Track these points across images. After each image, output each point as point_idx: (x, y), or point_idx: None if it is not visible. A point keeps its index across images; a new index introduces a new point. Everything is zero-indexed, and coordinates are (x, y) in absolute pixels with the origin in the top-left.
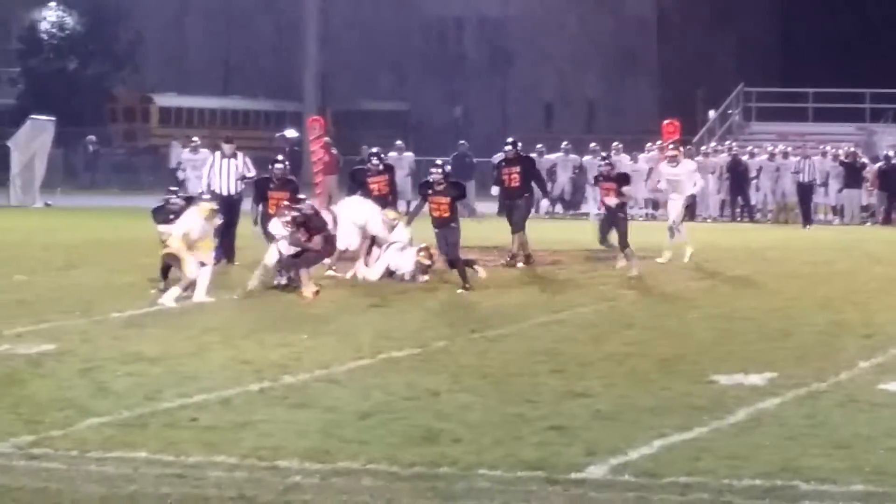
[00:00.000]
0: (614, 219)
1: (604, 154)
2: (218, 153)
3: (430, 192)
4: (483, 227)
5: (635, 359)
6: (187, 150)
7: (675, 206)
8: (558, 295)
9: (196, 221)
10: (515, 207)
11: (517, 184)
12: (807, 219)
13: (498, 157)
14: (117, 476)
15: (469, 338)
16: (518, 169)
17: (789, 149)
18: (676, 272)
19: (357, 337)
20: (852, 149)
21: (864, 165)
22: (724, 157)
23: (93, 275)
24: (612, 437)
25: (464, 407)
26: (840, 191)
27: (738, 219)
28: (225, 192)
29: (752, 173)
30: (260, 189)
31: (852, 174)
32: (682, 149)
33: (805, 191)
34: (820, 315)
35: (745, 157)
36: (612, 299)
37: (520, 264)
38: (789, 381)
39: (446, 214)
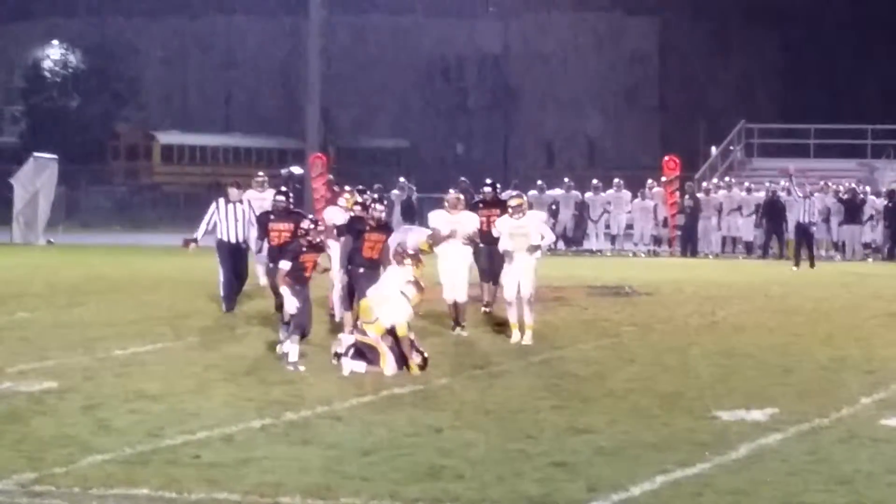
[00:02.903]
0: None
1: (489, 181)
2: (222, 199)
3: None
4: None
5: (637, 395)
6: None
7: (528, 272)
8: (560, 331)
9: None
10: (494, 253)
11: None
12: (810, 260)
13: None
14: None
15: (471, 374)
16: (498, 212)
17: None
18: (677, 308)
19: (359, 374)
20: (851, 185)
21: (863, 201)
22: (724, 194)
23: (95, 312)
24: (614, 473)
25: (466, 443)
26: (840, 225)
27: (772, 256)
28: (232, 240)
29: (751, 209)
30: (261, 223)
31: (852, 210)
32: (524, 197)
33: (804, 231)
34: (822, 351)
35: (782, 195)
36: (615, 335)
37: (487, 309)
38: (791, 416)
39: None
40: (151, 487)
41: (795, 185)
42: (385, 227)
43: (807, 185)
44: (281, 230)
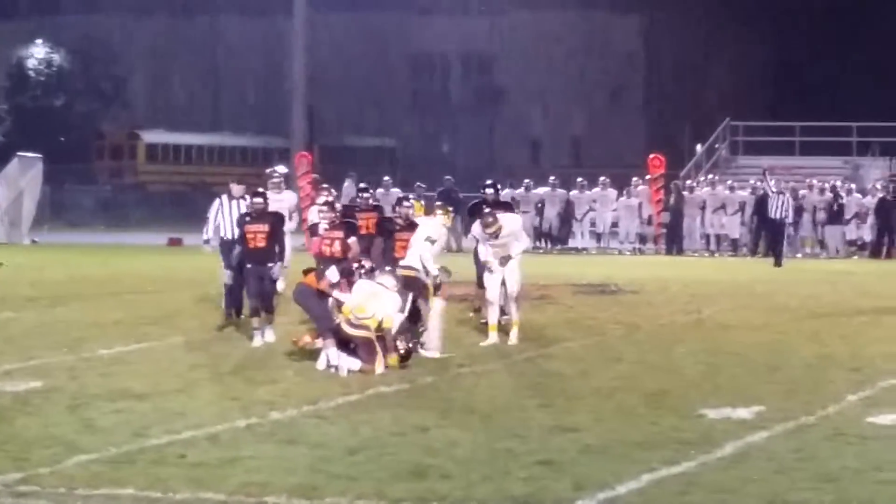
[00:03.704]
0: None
1: (489, 182)
2: (225, 195)
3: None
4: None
5: (623, 393)
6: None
7: (512, 271)
8: (546, 330)
9: None
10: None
11: None
12: (777, 258)
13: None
14: None
15: (457, 373)
16: (500, 212)
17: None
18: (663, 306)
19: (346, 373)
20: (834, 183)
21: (841, 205)
22: (707, 192)
23: (80, 312)
24: (600, 472)
25: (452, 442)
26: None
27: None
28: (232, 237)
29: (735, 207)
30: (238, 225)
31: (831, 211)
32: (497, 214)
33: (776, 228)
34: (807, 348)
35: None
36: (601, 334)
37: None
38: (777, 414)
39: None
40: (137, 487)
41: (769, 181)
42: (415, 226)
43: (781, 181)
44: (256, 231)
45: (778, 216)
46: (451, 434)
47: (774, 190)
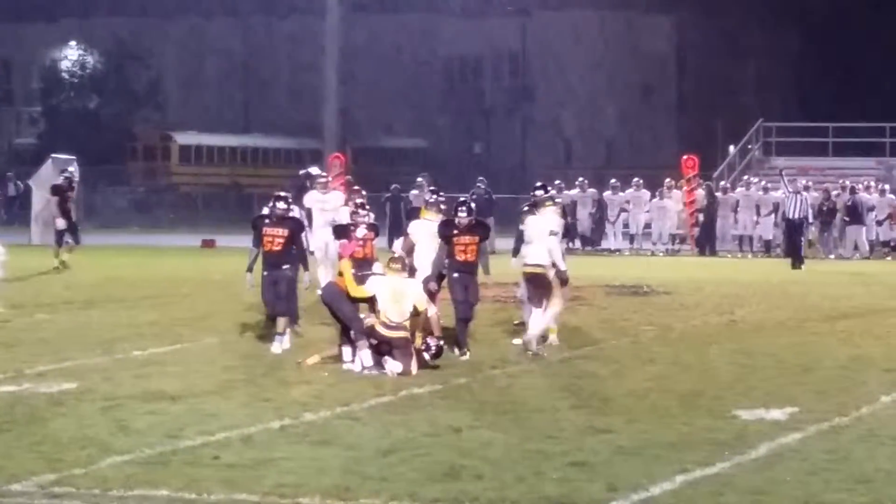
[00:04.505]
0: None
1: (539, 183)
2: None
3: (455, 232)
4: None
5: (657, 394)
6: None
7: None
8: (579, 331)
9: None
10: None
11: None
12: (796, 259)
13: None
14: None
15: (490, 374)
16: None
17: (809, 183)
18: (696, 307)
19: (378, 374)
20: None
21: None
22: (741, 192)
23: (114, 313)
24: (633, 473)
25: (485, 443)
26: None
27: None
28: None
29: (769, 208)
30: (256, 227)
31: (853, 212)
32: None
33: (794, 228)
34: (840, 349)
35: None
36: (633, 335)
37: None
38: (811, 415)
39: (472, 259)
40: (171, 488)
41: (785, 181)
42: (477, 227)
43: (798, 181)
44: (275, 235)
45: (796, 216)
46: (485, 435)
47: (790, 190)
